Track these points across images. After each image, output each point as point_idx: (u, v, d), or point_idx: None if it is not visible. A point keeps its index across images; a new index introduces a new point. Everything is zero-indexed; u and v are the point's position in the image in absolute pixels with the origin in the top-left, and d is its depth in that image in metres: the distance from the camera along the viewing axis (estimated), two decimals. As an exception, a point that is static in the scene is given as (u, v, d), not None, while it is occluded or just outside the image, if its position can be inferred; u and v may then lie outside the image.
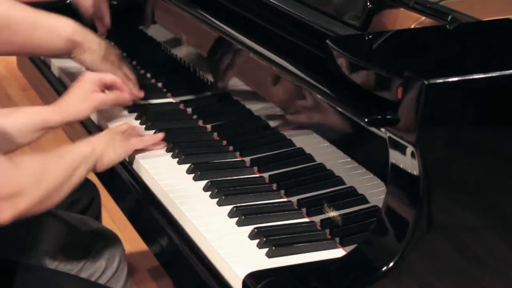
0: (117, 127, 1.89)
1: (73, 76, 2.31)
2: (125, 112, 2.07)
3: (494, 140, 1.40)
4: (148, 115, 2.03)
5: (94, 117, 2.10)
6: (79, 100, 1.89)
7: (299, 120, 1.74)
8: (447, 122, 1.35)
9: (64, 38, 2.01)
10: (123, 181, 1.89)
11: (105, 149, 1.76)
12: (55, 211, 2.03)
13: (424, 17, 1.64)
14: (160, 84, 2.24)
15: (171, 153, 1.86)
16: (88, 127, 2.13)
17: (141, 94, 2.07)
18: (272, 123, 1.82)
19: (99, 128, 2.08)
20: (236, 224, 1.60)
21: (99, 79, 1.92)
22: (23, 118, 1.82)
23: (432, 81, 1.31)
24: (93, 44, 2.04)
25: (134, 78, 2.08)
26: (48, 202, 1.60)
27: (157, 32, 2.34)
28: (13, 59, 2.83)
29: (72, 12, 2.67)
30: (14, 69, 2.76)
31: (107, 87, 1.95)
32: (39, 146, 1.78)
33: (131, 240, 2.74)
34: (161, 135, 1.90)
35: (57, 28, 2.02)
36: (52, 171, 1.61)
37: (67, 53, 2.04)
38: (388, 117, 1.36)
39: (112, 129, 1.87)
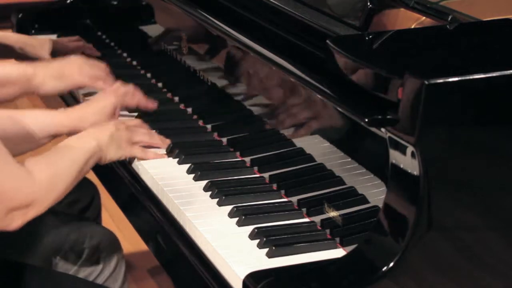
0: (126, 121, 1.87)
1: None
2: (125, 112, 2.06)
3: (494, 140, 1.40)
4: (148, 115, 2.03)
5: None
6: (98, 114, 1.89)
7: (299, 120, 1.74)
8: (447, 122, 1.35)
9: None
10: (123, 181, 1.89)
11: (110, 144, 1.75)
12: (54, 211, 2.04)
13: (424, 17, 1.64)
14: (160, 84, 2.25)
15: (171, 154, 1.86)
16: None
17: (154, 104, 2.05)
18: (272, 123, 1.82)
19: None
20: (236, 224, 1.60)
21: (119, 103, 1.92)
22: (42, 122, 1.80)
23: (432, 81, 1.31)
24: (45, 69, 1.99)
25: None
26: (56, 201, 1.59)
27: (157, 32, 2.34)
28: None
29: (71, 13, 2.68)
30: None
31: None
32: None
33: (131, 240, 2.74)
34: (163, 153, 1.88)
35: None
36: (64, 175, 1.60)
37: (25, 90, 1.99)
38: (388, 117, 1.37)
39: (119, 122, 1.84)
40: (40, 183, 1.53)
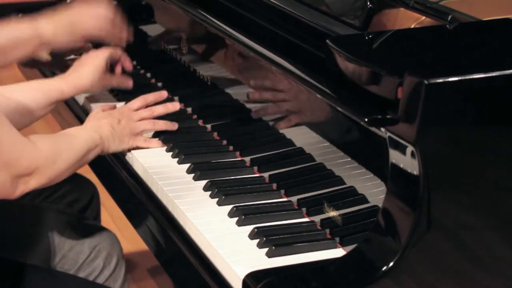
0: (129, 105, 1.92)
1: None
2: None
3: (494, 140, 1.40)
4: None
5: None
6: (94, 71, 1.93)
7: (300, 120, 1.74)
8: (447, 122, 1.35)
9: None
10: (122, 180, 1.89)
11: (111, 138, 1.81)
12: (54, 210, 2.04)
13: (424, 17, 1.64)
14: (160, 84, 2.25)
15: (171, 153, 1.86)
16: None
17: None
18: (272, 123, 1.82)
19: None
20: (236, 224, 1.60)
21: (109, 57, 1.97)
22: (39, 91, 1.83)
23: (432, 81, 1.31)
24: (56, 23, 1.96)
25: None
26: (56, 180, 1.65)
27: (157, 32, 2.34)
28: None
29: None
30: (14, 68, 2.75)
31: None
32: (31, 130, 1.77)
33: (131, 239, 2.74)
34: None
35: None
36: (65, 153, 1.66)
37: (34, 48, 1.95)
38: (388, 117, 1.37)
39: (121, 113, 1.88)
40: (42, 152, 1.59)
